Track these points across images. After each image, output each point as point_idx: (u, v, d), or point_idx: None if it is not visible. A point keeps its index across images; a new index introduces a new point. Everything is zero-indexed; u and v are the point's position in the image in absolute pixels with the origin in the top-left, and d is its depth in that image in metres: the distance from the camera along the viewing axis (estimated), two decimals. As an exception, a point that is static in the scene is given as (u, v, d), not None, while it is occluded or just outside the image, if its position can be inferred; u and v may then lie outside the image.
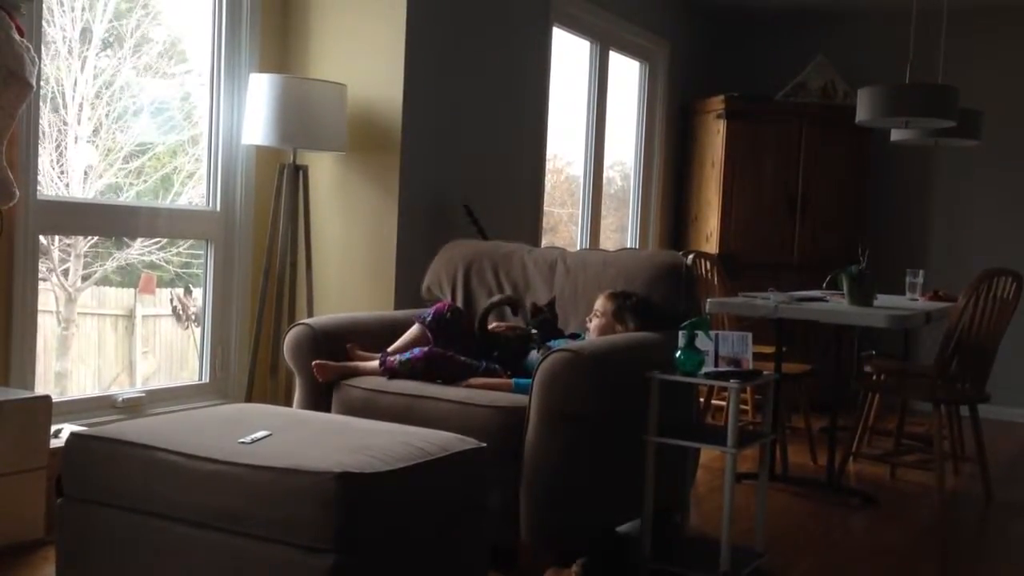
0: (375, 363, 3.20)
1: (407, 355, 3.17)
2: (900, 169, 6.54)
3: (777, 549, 3.40)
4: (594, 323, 3.28)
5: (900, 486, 4.44)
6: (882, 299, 4.41)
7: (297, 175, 3.96)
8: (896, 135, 5.20)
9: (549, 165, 5.25)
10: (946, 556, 3.55)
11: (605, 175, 5.87)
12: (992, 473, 4.35)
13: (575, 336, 3.34)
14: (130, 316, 4.20)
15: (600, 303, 3.29)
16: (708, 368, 2.98)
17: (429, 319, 3.33)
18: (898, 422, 4.86)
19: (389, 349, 3.28)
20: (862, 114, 4.54)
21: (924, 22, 5.47)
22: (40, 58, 3.28)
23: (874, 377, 4.77)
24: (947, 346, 4.06)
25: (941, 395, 4.12)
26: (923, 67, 5.31)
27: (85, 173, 3.84)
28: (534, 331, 3.34)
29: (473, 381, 3.10)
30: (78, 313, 3.96)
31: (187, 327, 4.32)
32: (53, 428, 3.13)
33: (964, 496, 4.36)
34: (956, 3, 5.67)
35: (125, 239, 3.95)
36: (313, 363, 3.16)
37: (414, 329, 3.35)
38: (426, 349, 3.19)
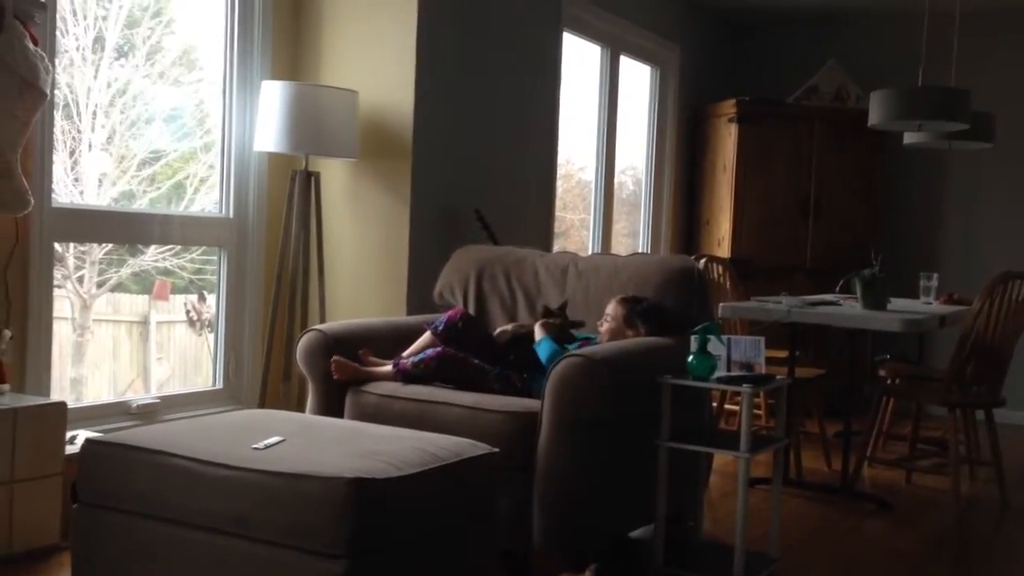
0: (388, 367, 3.21)
1: (420, 356, 3.18)
2: (913, 172, 6.51)
3: (791, 554, 3.38)
4: (605, 328, 3.27)
5: (915, 491, 4.41)
6: (896, 303, 4.39)
7: (309, 181, 3.98)
8: (909, 138, 5.18)
9: (561, 170, 5.25)
10: (962, 561, 3.53)
11: (617, 180, 5.87)
12: (1008, 478, 4.32)
13: (588, 340, 3.34)
14: (144, 322, 4.22)
15: (611, 308, 3.29)
16: (720, 373, 2.97)
17: (440, 327, 3.33)
18: (913, 426, 4.83)
19: (403, 355, 3.29)
20: (875, 117, 4.53)
21: (936, 25, 5.45)
22: (54, 67, 3.30)
23: (888, 381, 4.75)
24: (962, 350, 4.04)
25: (956, 399, 4.09)
26: (935, 70, 5.29)
27: (99, 180, 3.86)
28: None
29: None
30: (93, 320, 3.98)
31: (201, 333, 4.34)
32: (68, 434, 3.15)
33: (980, 501, 4.34)
34: (968, 6, 5.65)
35: (139, 246, 3.97)
36: (332, 358, 3.16)
37: (425, 337, 3.36)
38: (439, 350, 3.19)
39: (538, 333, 3.23)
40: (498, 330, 3.43)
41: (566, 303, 3.45)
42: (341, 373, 3.16)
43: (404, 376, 3.16)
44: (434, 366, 3.14)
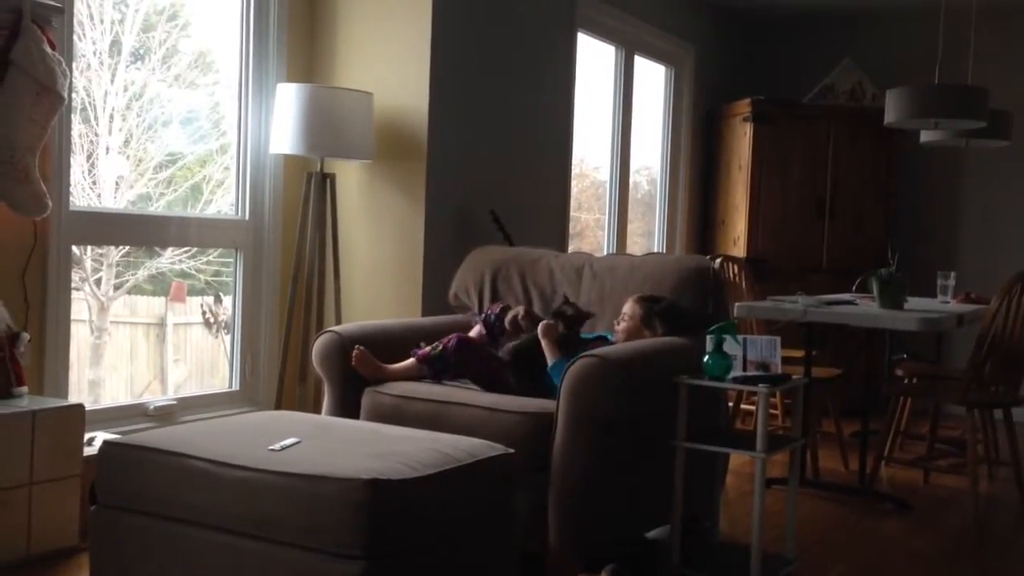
0: (408, 361, 3.23)
1: (440, 344, 3.22)
2: (930, 171, 6.47)
3: (808, 555, 3.37)
4: (621, 327, 3.27)
5: (933, 491, 4.39)
6: (913, 302, 4.37)
7: (324, 183, 3.99)
8: (926, 136, 5.15)
9: (575, 170, 5.24)
10: (981, 561, 3.51)
11: (632, 180, 5.86)
12: (1027, 477, 4.29)
13: (603, 338, 3.33)
14: (161, 324, 4.25)
15: (628, 307, 3.29)
16: (736, 373, 2.97)
17: (485, 316, 3.47)
18: (931, 426, 4.80)
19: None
20: (891, 115, 4.51)
21: (953, 22, 5.42)
22: (71, 71, 3.32)
23: (906, 381, 4.72)
24: (980, 349, 4.02)
25: (974, 399, 4.07)
26: (952, 68, 5.26)
27: (116, 183, 3.89)
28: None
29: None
30: (110, 322, 4.01)
31: (217, 335, 4.36)
32: (86, 436, 3.17)
33: (999, 501, 4.31)
34: (985, 3, 5.61)
35: (156, 248, 4.00)
36: (356, 347, 3.16)
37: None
38: (457, 334, 3.24)
39: (549, 356, 3.18)
40: (509, 315, 3.43)
41: (591, 314, 3.40)
42: (360, 364, 3.17)
43: (425, 363, 3.18)
44: (453, 346, 3.18)
